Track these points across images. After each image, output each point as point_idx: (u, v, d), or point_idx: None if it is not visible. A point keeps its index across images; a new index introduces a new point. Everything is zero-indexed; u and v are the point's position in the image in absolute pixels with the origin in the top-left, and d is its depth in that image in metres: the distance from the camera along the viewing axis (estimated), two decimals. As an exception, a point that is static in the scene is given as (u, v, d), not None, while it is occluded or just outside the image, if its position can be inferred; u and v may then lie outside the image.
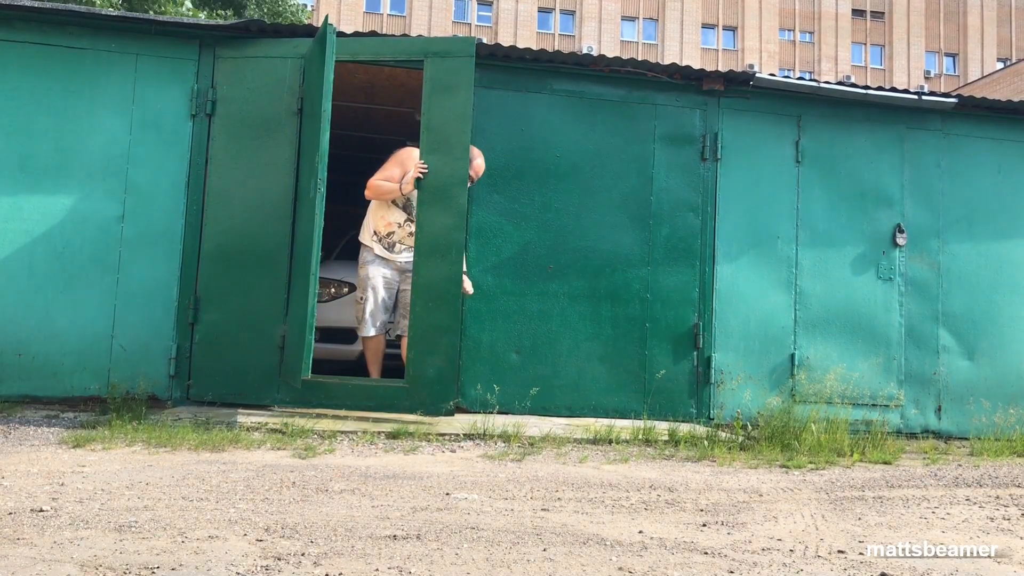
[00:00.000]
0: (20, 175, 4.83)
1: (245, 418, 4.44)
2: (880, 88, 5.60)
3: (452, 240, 4.67)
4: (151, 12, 12.20)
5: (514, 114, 5.27)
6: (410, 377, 4.63)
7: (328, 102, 4.43)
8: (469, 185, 4.81)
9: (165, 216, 4.93)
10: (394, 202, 5.02)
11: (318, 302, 6.02)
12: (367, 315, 4.99)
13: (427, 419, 4.65)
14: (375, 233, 5.08)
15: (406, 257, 5.03)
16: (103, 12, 5.01)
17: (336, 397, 4.80)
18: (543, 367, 5.16)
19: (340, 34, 4.73)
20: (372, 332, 5.02)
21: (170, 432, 3.97)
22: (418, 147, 4.78)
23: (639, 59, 5.47)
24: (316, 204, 4.39)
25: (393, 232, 5.05)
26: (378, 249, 5.06)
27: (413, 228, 4.92)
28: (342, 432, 4.32)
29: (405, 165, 4.90)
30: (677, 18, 38.81)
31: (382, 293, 5.01)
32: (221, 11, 15.16)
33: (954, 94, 5.91)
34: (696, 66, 5.64)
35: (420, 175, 4.69)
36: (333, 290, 6.03)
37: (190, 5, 13.54)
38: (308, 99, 4.83)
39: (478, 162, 4.92)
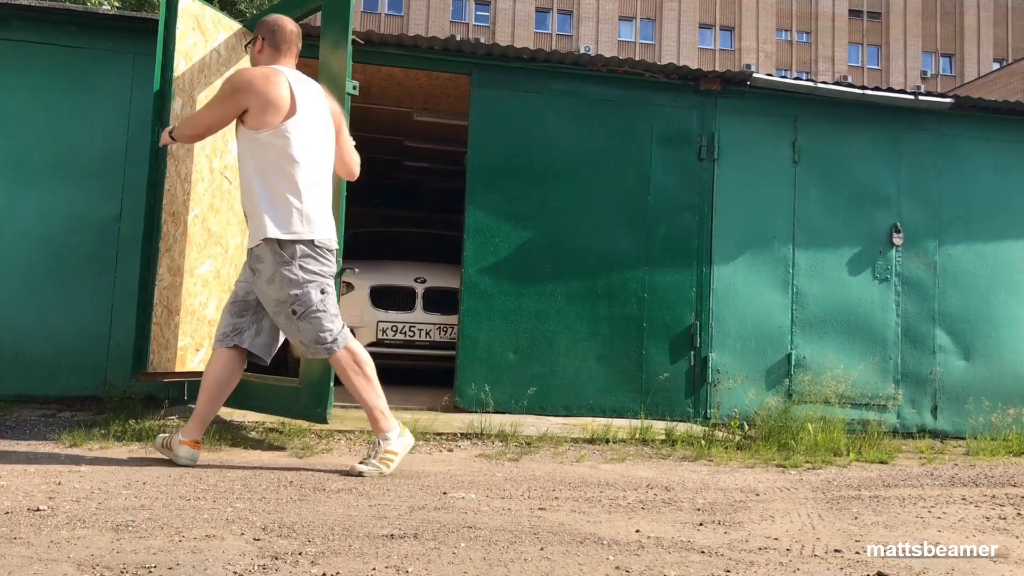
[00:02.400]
0: (17, 174, 4.82)
1: (242, 417, 4.43)
2: (877, 88, 5.61)
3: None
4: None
5: (512, 114, 5.27)
6: (301, 376, 4.05)
7: (158, 71, 4.03)
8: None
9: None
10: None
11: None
12: None
13: (427, 415, 4.65)
14: None
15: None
16: (100, 11, 5.00)
17: (259, 398, 4.26)
18: (540, 366, 5.16)
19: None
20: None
21: (167, 431, 3.97)
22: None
23: (636, 59, 5.49)
24: (152, 181, 4.04)
25: None
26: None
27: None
28: (339, 431, 4.32)
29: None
30: (674, 18, 38.85)
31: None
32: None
33: (950, 94, 5.93)
34: (693, 66, 5.65)
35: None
36: None
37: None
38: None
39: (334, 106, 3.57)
